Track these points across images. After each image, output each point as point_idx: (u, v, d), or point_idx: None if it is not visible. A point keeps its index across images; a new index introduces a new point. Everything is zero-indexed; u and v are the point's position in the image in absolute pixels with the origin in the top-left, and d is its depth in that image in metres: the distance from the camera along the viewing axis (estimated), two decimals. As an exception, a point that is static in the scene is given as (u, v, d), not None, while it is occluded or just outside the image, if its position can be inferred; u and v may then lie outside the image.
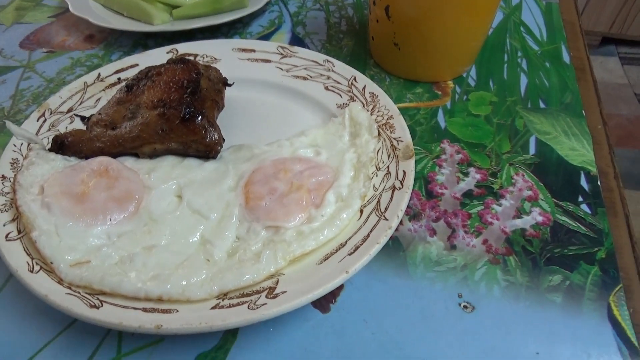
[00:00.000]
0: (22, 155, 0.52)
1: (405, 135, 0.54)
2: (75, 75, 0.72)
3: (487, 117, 0.66)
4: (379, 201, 0.48)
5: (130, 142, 0.52)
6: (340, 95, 0.62)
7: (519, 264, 0.49)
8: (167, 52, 0.67)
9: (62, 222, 0.44)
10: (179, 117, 0.51)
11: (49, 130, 0.56)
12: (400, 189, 0.48)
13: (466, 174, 0.58)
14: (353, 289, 0.46)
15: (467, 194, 0.56)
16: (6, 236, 0.44)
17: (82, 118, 0.58)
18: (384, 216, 0.46)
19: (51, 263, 0.41)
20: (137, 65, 0.64)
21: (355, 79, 0.62)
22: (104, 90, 0.61)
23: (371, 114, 0.58)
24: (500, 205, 0.54)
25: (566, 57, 0.77)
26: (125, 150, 0.53)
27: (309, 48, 0.77)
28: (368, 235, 0.45)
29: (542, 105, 0.68)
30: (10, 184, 0.48)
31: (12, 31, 0.81)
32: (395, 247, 0.50)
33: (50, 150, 0.52)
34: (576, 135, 0.63)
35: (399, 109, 0.59)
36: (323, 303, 0.44)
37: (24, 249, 0.43)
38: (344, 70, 0.64)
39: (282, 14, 0.86)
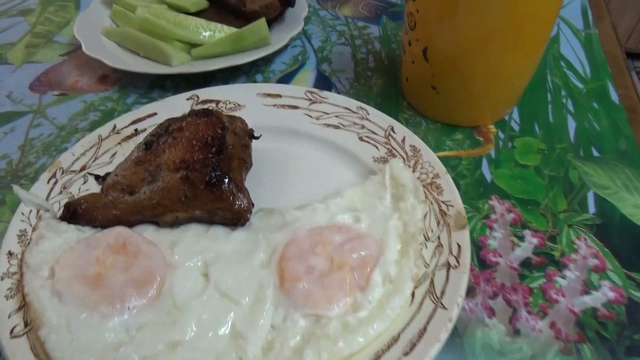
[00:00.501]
0: (30, 226, 0.46)
1: (455, 199, 0.48)
2: (88, 121, 0.66)
3: (537, 168, 0.59)
4: (432, 282, 0.42)
5: (150, 210, 0.46)
6: (377, 148, 0.55)
7: (595, 354, 0.42)
8: (187, 99, 0.61)
9: (75, 313, 0.38)
10: (204, 181, 0.45)
11: (61, 193, 0.50)
12: (456, 267, 0.42)
13: (521, 238, 0.51)
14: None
15: (526, 263, 0.49)
16: (11, 331, 0.38)
17: (97, 177, 0.52)
18: (441, 303, 0.40)
19: (61, 370, 0.35)
20: (155, 114, 0.59)
21: (392, 129, 0.56)
22: (119, 143, 0.56)
23: (413, 171, 0.51)
24: (564, 277, 0.48)
25: (614, 96, 0.70)
26: (144, 218, 0.47)
27: (336, 87, 0.71)
28: (425, 329, 0.38)
29: (595, 153, 0.61)
30: (18, 262, 0.42)
31: (21, 72, 0.76)
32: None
33: (61, 219, 0.47)
34: (639, 189, 0.56)
35: (439, 158, 0.52)
36: (375, 411, 0.38)
37: (31, 349, 0.37)
38: (379, 118, 0.58)
39: (306, 50, 0.80)
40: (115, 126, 0.57)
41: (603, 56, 0.79)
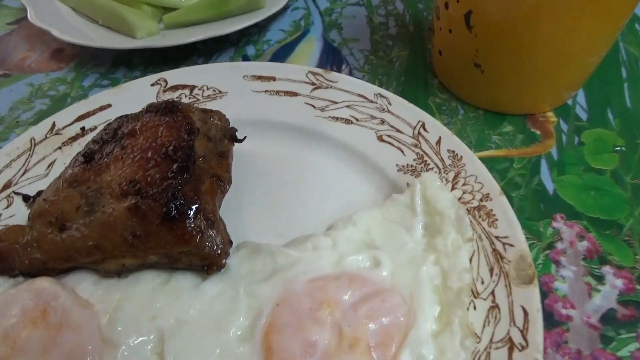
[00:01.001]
0: None
1: (515, 235, 0.34)
2: (33, 111, 0.53)
3: (614, 173, 0.45)
4: (487, 368, 0.28)
5: (85, 256, 0.33)
6: (402, 152, 0.41)
7: None
8: (152, 85, 0.47)
9: None
10: (160, 214, 0.32)
11: (-27, 223, 0.37)
12: (523, 348, 0.28)
13: (600, 279, 0.38)
14: None
15: (609, 318, 0.36)
16: None
17: (26, 198, 0.39)
18: (503, 410, 0.26)
19: None
20: (108, 106, 0.45)
21: (424, 126, 0.42)
22: (60, 148, 0.43)
23: (452, 188, 0.37)
24: (665, 340, 0.34)
25: None
26: (80, 264, 0.33)
27: (347, 62, 0.56)
28: None
29: (693, 151, 0.46)
30: None
31: (-42, 46, 0.62)
32: None
33: (-33, 264, 0.33)
34: None
35: (482, 159, 0.38)
36: None
37: None
38: (406, 111, 0.43)
39: (310, 13, 0.65)
40: (54, 124, 0.44)
41: (690, 15, 0.62)
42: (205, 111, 0.41)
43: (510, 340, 0.29)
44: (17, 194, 0.40)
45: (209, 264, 0.34)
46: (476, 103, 0.51)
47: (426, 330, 0.30)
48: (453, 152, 0.40)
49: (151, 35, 0.55)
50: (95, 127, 0.44)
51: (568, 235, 0.41)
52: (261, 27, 0.62)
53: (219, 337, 0.31)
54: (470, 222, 0.35)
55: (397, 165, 0.41)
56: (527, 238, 0.39)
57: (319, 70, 0.47)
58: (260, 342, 0.31)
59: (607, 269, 0.38)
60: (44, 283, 0.33)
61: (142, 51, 0.58)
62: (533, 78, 0.47)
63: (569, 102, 0.51)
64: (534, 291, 0.31)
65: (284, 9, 0.62)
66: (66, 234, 0.34)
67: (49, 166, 0.41)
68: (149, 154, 0.36)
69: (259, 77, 0.48)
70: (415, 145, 0.41)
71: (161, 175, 0.34)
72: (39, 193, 0.40)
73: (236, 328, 0.32)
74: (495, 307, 0.31)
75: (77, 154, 0.39)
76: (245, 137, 0.41)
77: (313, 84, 0.47)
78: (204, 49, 0.59)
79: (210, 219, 0.34)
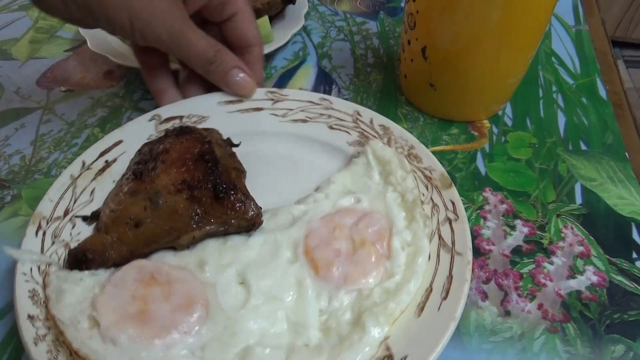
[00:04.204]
0: (37, 284, 0.52)
1: (435, 164, 0.71)
2: (97, 117, 0.77)
3: (528, 161, 0.68)
4: (440, 236, 0.60)
5: (165, 237, 0.58)
6: (349, 132, 0.79)
7: (579, 332, 0.51)
8: (149, 120, 0.75)
9: (136, 352, 0.47)
10: (212, 195, 0.58)
11: (53, 243, 0.57)
12: (457, 219, 0.60)
13: (513, 227, 0.60)
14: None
15: (516, 251, 0.58)
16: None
17: (85, 218, 0.61)
18: (455, 251, 0.56)
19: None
20: (120, 142, 0.70)
21: (359, 113, 0.79)
22: (94, 179, 0.67)
23: (390, 147, 0.71)
24: (552, 263, 0.57)
25: (602, 92, 0.79)
26: (160, 246, 0.59)
27: (336, 82, 0.81)
28: (450, 275, 0.53)
29: (583, 146, 0.71)
30: (43, 323, 0.47)
31: (27, 67, 0.87)
32: (447, 314, 0.52)
33: (70, 268, 0.55)
34: (622, 181, 0.66)
35: (434, 153, 0.70)
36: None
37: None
38: (343, 106, 0.81)
39: (306, 46, 0.87)
40: (84, 162, 0.67)
41: (593, 52, 0.89)
42: (206, 129, 0.71)
43: (448, 218, 0.64)
44: (76, 217, 0.60)
45: (252, 224, 0.61)
46: (432, 113, 0.78)
47: (402, 225, 0.63)
48: (383, 125, 0.78)
49: (182, 61, 0.77)
50: (116, 159, 0.67)
51: (493, 201, 0.64)
52: (269, 57, 0.85)
53: (276, 265, 0.60)
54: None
55: (347, 142, 0.75)
56: (464, 203, 0.65)
57: (274, 89, 0.82)
58: (304, 260, 0.60)
59: (518, 222, 0.65)
60: (140, 262, 0.57)
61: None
62: (471, 94, 0.73)
63: (500, 113, 0.74)
64: (454, 190, 0.64)
65: (287, 42, 0.83)
66: (143, 227, 0.58)
67: (91, 194, 0.63)
68: (186, 161, 0.59)
69: (230, 101, 0.77)
70: (356, 127, 0.75)
71: (202, 172, 0.59)
72: (94, 213, 0.62)
73: (285, 257, 0.61)
74: (435, 205, 0.66)
75: (126, 174, 0.66)
76: (240, 142, 0.71)
77: (272, 99, 0.81)
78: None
79: (245, 193, 0.65)
